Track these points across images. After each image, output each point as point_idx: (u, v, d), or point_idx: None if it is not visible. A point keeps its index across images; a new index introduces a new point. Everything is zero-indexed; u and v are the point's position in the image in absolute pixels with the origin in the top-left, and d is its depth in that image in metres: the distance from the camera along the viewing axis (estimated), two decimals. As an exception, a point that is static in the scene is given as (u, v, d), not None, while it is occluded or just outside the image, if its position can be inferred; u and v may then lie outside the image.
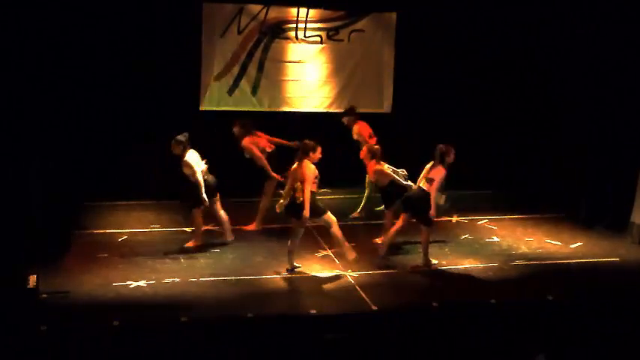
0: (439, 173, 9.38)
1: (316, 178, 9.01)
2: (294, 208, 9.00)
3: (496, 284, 9.11)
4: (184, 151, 9.71)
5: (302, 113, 13.12)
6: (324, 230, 9.62)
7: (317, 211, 9.10)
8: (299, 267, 9.37)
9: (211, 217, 10.24)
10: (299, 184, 8.94)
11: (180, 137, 9.73)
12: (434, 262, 9.68)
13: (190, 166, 9.68)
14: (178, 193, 10.36)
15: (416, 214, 9.56)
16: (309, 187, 8.89)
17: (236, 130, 10.72)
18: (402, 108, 13.33)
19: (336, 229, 9.29)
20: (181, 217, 11.24)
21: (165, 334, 7.58)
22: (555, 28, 12.31)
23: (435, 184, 9.31)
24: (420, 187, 9.53)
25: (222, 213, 10.18)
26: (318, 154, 9.10)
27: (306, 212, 8.85)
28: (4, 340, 7.16)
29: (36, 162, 9.32)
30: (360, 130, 11.63)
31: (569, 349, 7.70)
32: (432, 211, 9.27)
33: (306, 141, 9.16)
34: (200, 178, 9.68)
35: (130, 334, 7.51)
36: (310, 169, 8.97)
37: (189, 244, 10.03)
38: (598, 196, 11.51)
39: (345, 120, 11.83)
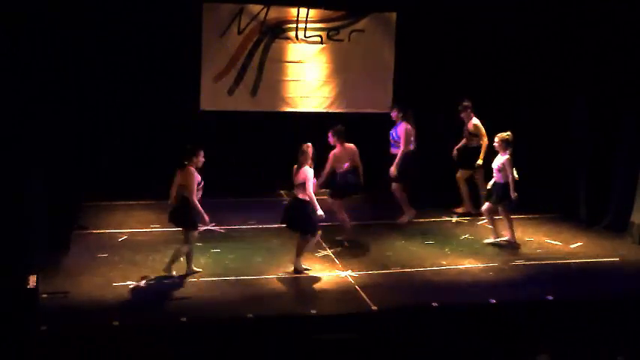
0: (304, 175, 8.95)
1: (199, 184, 8.83)
2: (177, 214, 8.93)
3: (496, 284, 9.10)
4: (339, 141, 10.02)
5: (302, 113, 13.10)
6: (325, 231, 9.60)
7: (190, 222, 8.93)
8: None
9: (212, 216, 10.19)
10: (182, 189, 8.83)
11: (340, 127, 10.07)
12: (306, 267, 9.28)
13: (338, 160, 10.01)
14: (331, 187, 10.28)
15: (291, 223, 9.22)
16: (194, 194, 8.73)
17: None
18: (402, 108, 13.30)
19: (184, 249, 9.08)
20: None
21: (166, 334, 7.58)
22: (555, 26, 12.30)
23: (308, 186, 8.90)
24: (294, 195, 9.16)
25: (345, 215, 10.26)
26: (201, 159, 8.89)
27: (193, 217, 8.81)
28: (4, 340, 7.15)
29: (36, 162, 9.31)
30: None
31: (570, 349, 7.69)
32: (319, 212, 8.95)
33: (188, 145, 8.96)
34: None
35: (130, 334, 7.51)
36: (192, 176, 8.78)
37: (340, 238, 10.23)
38: (598, 196, 11.50)
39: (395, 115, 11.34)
